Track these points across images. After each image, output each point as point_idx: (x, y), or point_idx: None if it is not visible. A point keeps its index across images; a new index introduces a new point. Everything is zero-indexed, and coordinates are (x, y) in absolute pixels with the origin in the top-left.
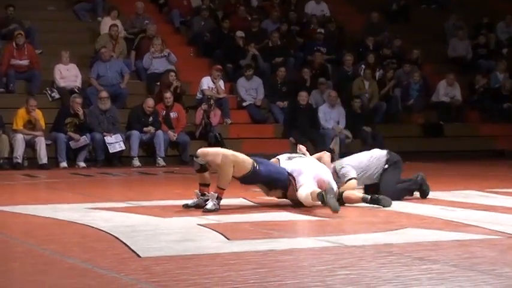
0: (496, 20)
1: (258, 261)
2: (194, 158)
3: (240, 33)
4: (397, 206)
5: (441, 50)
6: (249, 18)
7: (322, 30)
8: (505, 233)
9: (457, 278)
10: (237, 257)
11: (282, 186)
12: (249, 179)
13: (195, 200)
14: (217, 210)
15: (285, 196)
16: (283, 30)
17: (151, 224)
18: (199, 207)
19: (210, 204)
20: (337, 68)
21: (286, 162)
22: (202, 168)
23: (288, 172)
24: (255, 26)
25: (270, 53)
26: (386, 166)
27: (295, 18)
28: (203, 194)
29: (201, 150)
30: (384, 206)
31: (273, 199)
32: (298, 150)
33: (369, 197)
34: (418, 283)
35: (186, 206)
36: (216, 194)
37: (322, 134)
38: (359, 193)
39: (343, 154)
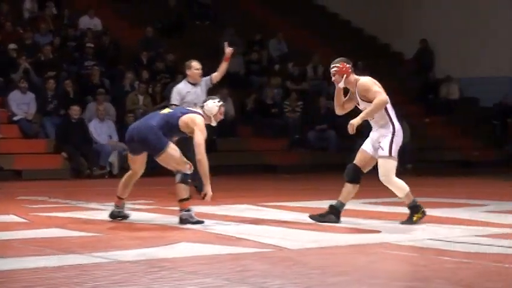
0: (268, 37)
1: (29, 279)
2: None
3: (12, 46)
4: (170, 220)
5: (216, 65)
6: (21, 31)
7: (92, 45)
8: (276, 245)
9: None
10: (6, 276)
11: None
12: None
13: None
14: None
15: None
16: (56, 44)
17: None
18: None
19: None
20: (113, 82)
21: None
22: None
23: None
24: (28, 39)
25: (42, 66)
26: None
27: (71, 32)
28: None
29: None
30: None
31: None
32: None
33: None
34: None
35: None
36: None
37: (96, 149)
38: None
39: None
